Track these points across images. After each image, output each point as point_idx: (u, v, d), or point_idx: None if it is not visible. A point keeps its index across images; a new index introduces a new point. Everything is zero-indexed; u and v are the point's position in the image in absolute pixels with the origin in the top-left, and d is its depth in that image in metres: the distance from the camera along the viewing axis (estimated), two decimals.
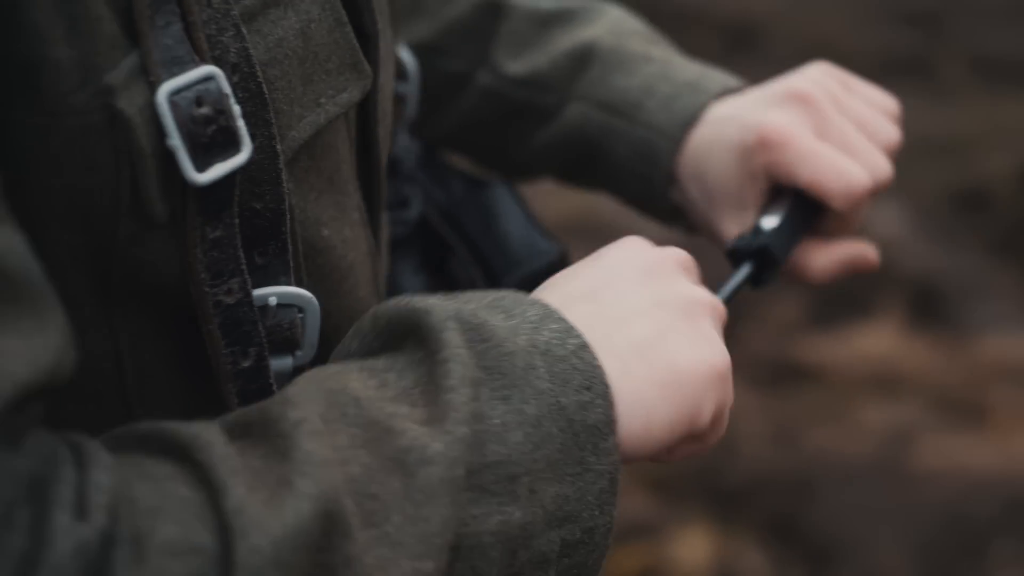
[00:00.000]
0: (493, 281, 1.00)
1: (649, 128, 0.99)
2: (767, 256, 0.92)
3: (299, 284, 0.70)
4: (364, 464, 0.58)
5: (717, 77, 1.00)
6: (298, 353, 0.70)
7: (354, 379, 0.62)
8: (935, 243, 3.84)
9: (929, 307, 3.50)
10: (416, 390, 0.62)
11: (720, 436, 0.71)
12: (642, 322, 0.68)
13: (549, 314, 0.66)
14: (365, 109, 0.77)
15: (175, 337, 0.67)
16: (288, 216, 0.67)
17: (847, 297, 3.48)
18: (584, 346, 0.65)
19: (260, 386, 0.67)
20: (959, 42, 5.19)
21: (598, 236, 3.47)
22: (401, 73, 0.98)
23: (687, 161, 0.98)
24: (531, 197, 3.48)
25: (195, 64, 0.62)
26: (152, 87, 0.60)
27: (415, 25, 1.07)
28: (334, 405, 0.60)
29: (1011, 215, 3.88)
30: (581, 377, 0.64)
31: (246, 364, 0.66)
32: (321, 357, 0.71)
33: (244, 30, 0.64)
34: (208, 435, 0.58)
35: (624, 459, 0.66)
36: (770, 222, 0.94)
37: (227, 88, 0.62)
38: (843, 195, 0.94)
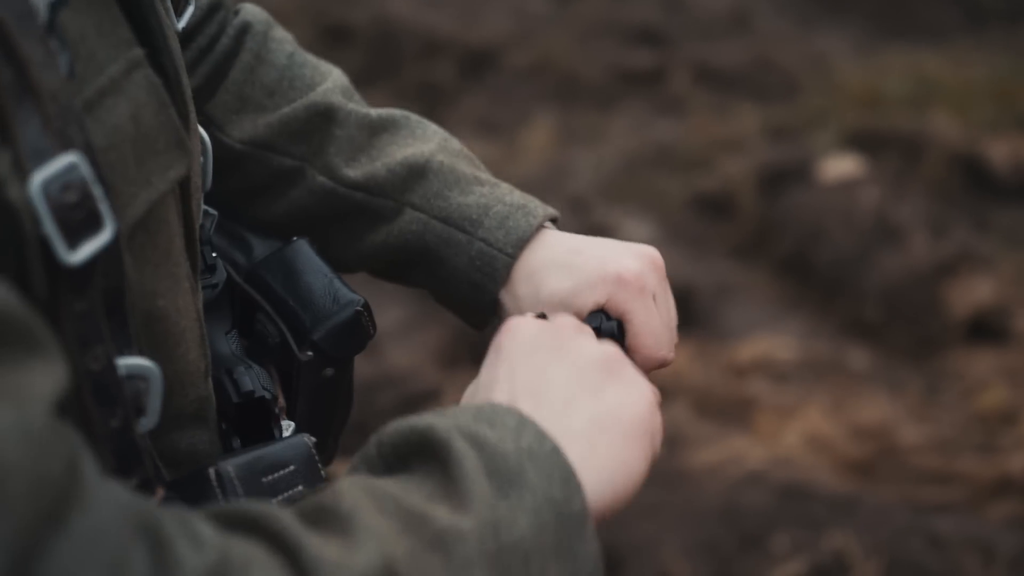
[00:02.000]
0: (299, 335, 1.03)
1: (488, 243, 1.07)
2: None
3: (140, 354, 0.75)
4: (408, 546, 0.68)
5: (539, 203, 1.11)
6: (143, 420, 0.74)
7: (383, 483, 0.72)
8: (685, 250, 3.97)
9: (685, 313, 3.61)
10: (438, 492, 0.72)
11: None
12: (581, 400, 0.80)
13: (523, 422, 0.76)
14: (183, 185, 0.82)
15: None
16: (127, 292, 0.72)
17: None
18: (556, 449, 0.75)
19: (129, 443, 0.72)
20: (685, 56, 5.39)
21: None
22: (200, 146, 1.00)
23: (519, 275, 1.07)
24: None
25: (57, 154, 0.66)
26: (24, 179, 0.65)
27: (245, 121, 1.11)
28: (376, 500, 0.69)
29: (752, 218, 4.03)
30: (560, 473, 0.74)
31: (115, 424, 0.71)
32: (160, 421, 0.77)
33: (85, 123, 0.69)
34: (274, 510, 0.66)
35: (627, 501, 0.79)
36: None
37: (89, 173, 0.68)
38: (648, 355, 1.04)
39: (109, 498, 0.59)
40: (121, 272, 0.71)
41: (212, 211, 1.05)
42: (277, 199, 1.11)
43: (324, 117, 1.11)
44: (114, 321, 0.72)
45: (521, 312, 1.06)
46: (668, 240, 4.01)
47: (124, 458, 0.72)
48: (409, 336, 3.62)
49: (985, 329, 3.43)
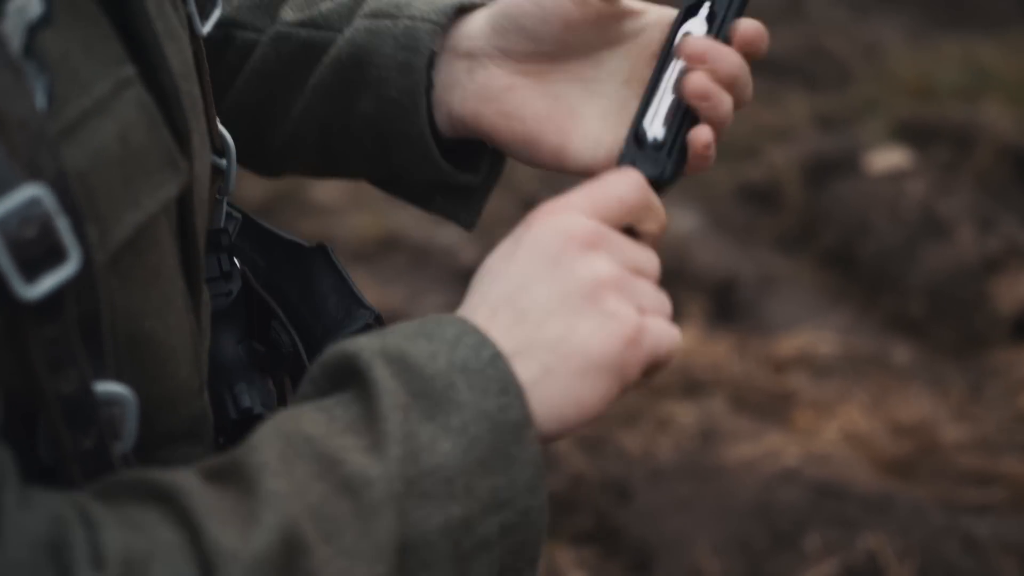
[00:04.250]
0: (311, 345, 1.01)
1: (412, 19, 0.98)
2: (670, 185, 0.92)
3: (118, 375, 0.74)
4: (319, 492, 0.70)
5: None
6: (117, 444, 0.74)
7: (307, 419, 0.74)
8: (729, 240, 3.94)
9: (727, 305, 3.59)
10: (359, 422, 0.73)
11: (674, 354, 0.82)
12: (554, 321, 0.79)
13: (464, 330, 0.77)
14: (183, 200, 0.80)
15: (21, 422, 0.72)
16: (104, 318, 0.72)
17: None
18: (496, 355, 0.76)
19: (103, 465, 0.73)
20: None
21: (404, 252, 3.43)
22: (219, 148, 0.97)
23: (469, 47, 0.98)
24: (336, 223, 3.42)
25: (19, 185, 0.65)
26: None
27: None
28: (290, 445, 0.72)
29: (798, 209, 4.00)
30: (497, 384, 0.75)
31: (88, 444, 0.72)
32: (144, 438, 0.77)
33: (59, 150, 0.68)
34: (186, 482, 0.69)
35: (574, 431, 0.79)
36: (656, 128, 0.93)
37: (52, 206, 0.67)
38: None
39: (23, 530, 0.62)
40: (96, 298, 0.71)
41: (236, 214, 1.04)
42: (240, 74, 1.06)
43: None
44: (89, 346, 0.71)
45: (454, 96, 0.98)
46: (712, 230, 3.98)
47: (96, 476, 0.72)
48: None
49: None
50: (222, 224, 1.00)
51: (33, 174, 0.66)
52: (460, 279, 3.82)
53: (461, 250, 3.93)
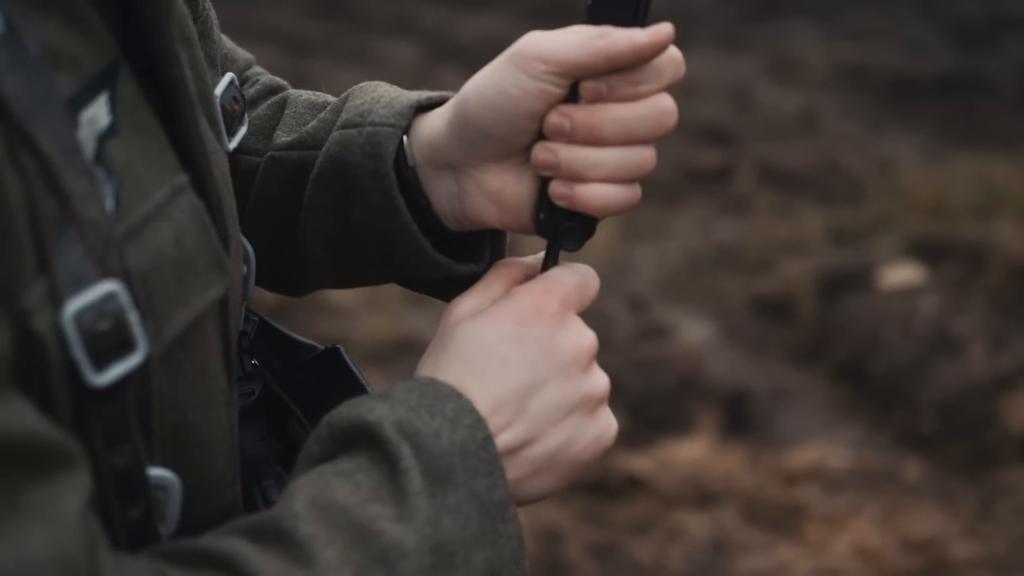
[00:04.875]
0: None
1: (374, 125, 0.99)
2: (585, 230, 0.97)
3: (163, 463, 0.79)
4: (357, 564, 0.76)
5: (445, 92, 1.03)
6: (161, 527, 0.78)
7: (335, 487, 0.79)
8: (742, 352, 3.96)
9: (739, 416, 3.60)
10: (383, 490, 0.80)
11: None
12: (556, 432, 0.87)
13: (462, 408, 0.84)
14: (223, 302, 0.85)
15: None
16: (154, 408, 0.76)
17: (662, 408, 3.55)
18: (488, 439, 0.83)
19: (148, 535, 0.77)
20: (751, 156, 5.41)
21: (418, 355, 3.44)
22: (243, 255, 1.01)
23: (447, 160, 0.96)
24: (351, 325, 3.45)
25: (96, 281, 0.71)
26: (58, 307, 0.69)
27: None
28: (327, 516, 0.77)
29: (811, 323, 4.03)
30: (486, 466, 0.82)
31: (134, 515, 0.76)
32: (182, 524, 0.81)
33: (124, 251, 0.73)
34: (241, 548, 0.74)
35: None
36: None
37: (126, 300, 0.72)
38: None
39: None
40: (149, 390, 0.75)
41: (254, 317, 1.08)
42: (246, 196, 1.08)
43: (279, 107, 1.11)
44: (141, 433, 0.75)
45: (454, 208, 0.97)
46: (726, 341, 4.01)
47: (142, 546, 0.76)
48: None
49: None
50: (240, 326, 1.03)
51: (105, 272, 0.71)
52: None
53: None
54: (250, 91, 1.14)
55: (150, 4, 0.79)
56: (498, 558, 0.82)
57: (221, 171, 0.87)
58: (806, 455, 3.42)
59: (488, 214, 0.96)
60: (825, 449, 3.44)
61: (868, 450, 3.47)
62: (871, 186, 5.05)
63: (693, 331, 4.01)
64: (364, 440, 0.82)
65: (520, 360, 0.87)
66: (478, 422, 0.83)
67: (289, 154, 1.05)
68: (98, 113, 0.74)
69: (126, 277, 0.73)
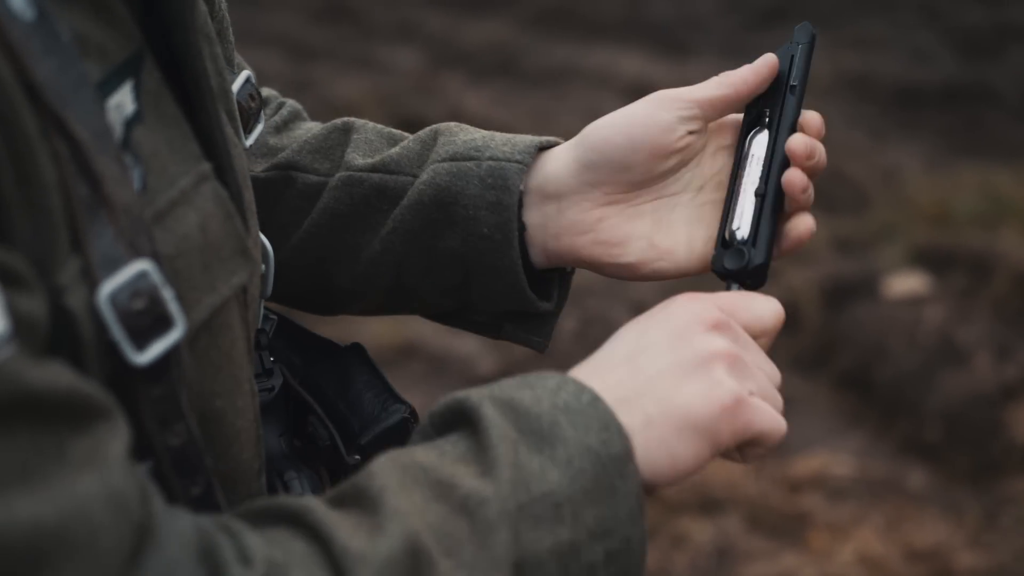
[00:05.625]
0: (349, 439, 1.06)
1: (496, 159, 1.05)
2: (763, 271, 1.02)
3: None
4: (437, 512, 0.76)
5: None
6: (223, 502, 0.80)
7: (419, 453, 0.80)
8: None
9: None
10: (469, 455, 0.80)
11: (773, 438, 0.88)
12: (664, 381, 0.86)
13: (564, 380, 0.84)
14: (244, 291, 0.85)
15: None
16: (183, 393, 0.76)
17: None
18: (596, 398, 0.83)
19: (212, 509, 0.78)
20: None
21: (421, 360, 3.44)
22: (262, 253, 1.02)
23: (536, 186, 1.05)
24: (355, 330, 3.45)
25: (129, 261, 0.71)
26: (93, 288, 0.70)
27: (271, 158, 1.13)
28: (407, 473, 0.78)
29: (815, 331, 4.02)
30: (598, 422, 0.82)
31: (196, 492, 0.78)
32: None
33: (153, 233, 0.74)
34: (312, 503, 0.74)
35: (665, 486, 0.85)
36: (742, 229, 1.02)
37: (158, 278, 0.72)
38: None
39: (175, 531, 0.68)
40: (179, 373, 0.76)
41: (273, 315, 1.09)
42: (304, 215, 1.12)
43: (343, 131, 1.14)
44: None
45: (548, 233, 1.05)
46: None
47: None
48: None
49: None
50: (260, 323, 1.04)
51: (137, 252, 0.72)
52: None
53: (479, 360, 3.95)
54: (283, 112, 1.17)
55: None
56: (612, 515, 0.80)
57: (240, 164, 0.88)
58: (810, 463, 3.41)
59: (580, 241, 1.04)
60: (829, 457, 3.44)
61: (872, 458, 3.46)
62: (876, 195, 5.05)
63: None
64: (456, 421, 0.83)
65: (637, 334, 0.89)
66: (582, 387, 0.84)
67: (370, 176, 1.09)
68: (124, 100, 0.75)
69: (156, 259, 0.73)
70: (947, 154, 5.49)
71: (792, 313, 4.13)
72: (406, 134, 1.13)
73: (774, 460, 3.42)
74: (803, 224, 1.02)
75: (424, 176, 1.07)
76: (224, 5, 1.03)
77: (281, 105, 1.19)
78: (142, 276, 0.72)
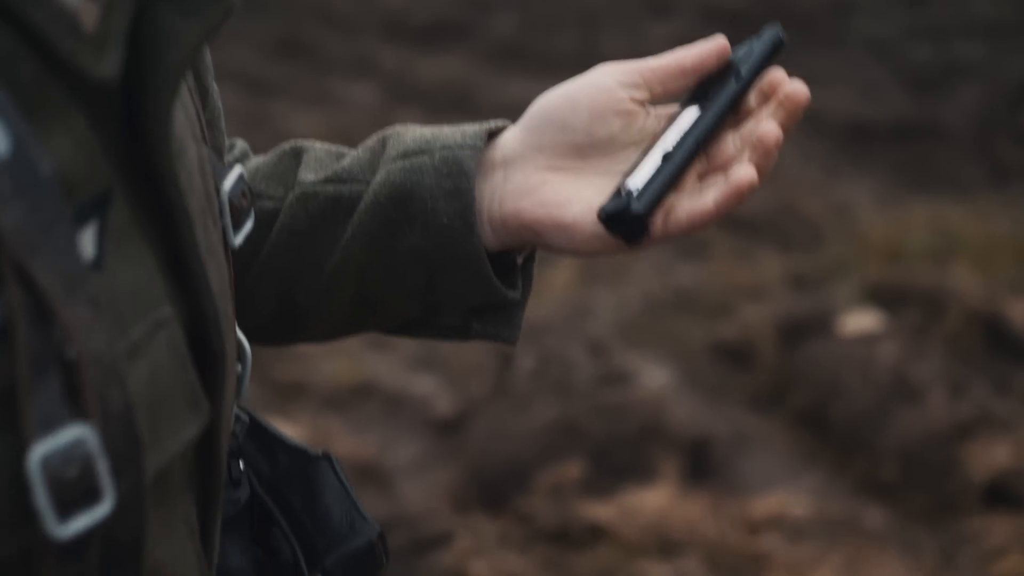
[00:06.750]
0: (312, 558, 1.02)
1: (449, 148, 1.05)
2: (640, 221, 1.00)
3: None
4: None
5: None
6: None
7: None
8: (702, 398, 3.96)
9: (701, 463, 3.60)
10: None
11: None
12: None
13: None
14: (209, 429, 0.81)
15: None
16: (144, 547, 0.71)
17: (624, 455, 3.54)
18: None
19: None
20: None
21: (378, 400, 3.42)
22: (237, 353, 0.98)
23: (503, 155, 1.05)
24: (311, 368, 3.42)
25: (68, 423, 0.66)
26: (24, 447, 0.64)
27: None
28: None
29: (771, 368, 4.03)
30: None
31: None
32: None
33: (128, 382, 0.69)
34: None
35: None
36: (635, 182, 1.01)
37: (96, 447, 0.67)
38: None
39: None
40: (141, 528, 0.71)
41: (244, 416, 1.04)
42: (263, 241, 1.09)
43: (292, 155, 1.11)
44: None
45: (494, 201, 1.05)
46: (686, 387, 4.01)
47: None
48: (423, 474, 3.62)
49: (1003, 494, 3.40)
50: (231, 427, 0.99)
51: (78, 414, 0.66)
52: (434, 428, 3.83)
53: (435, 399, 3.94)
54: (235, 152, 1.14)
55: (151, 120, 0.75)
56: None
57: (220, 277, 0.84)
58: (768, 503, 3.41)
59: (523, 203, 1.03)
60: (787, 497, 3.44)
61: (830, 498, 3.47)
62: (829, 231, 5.09)
63: (654, 376, 4.01)
64: None
65: None
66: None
67: (324, 187, 1.07)
68: (84, 245, 0.70)
69: (127, 410, 0.69)
70: (899, 189, 5.54)
71: (747, 351, 4.14)
72: (354, 150, 1.12)
73: (733, 500, 3.43)
74: (744, 170, 0.99)
75: (378, 178, 1.06)
76: (217, 93, 1.00)
77: (232, 145, 1.16)
78: (79, 442, 0.66)
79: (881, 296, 4.30)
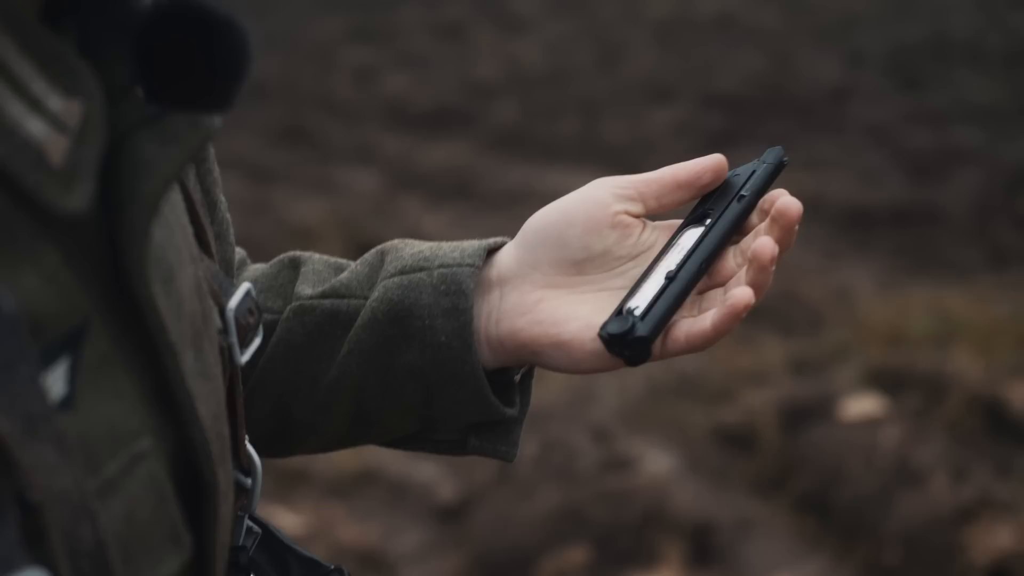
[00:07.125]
0: None
1: (447, 266, 1.04)
2: (644, 345, 0.99)
3: None
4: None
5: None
6: None
7: None
8: (706, 483, 3.96)
9: (704, 549, 3.59)
10: None
11: None
12: None
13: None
14: (201, 558, 0.78)
15: None
16: None
17: (627, 541, 3.53)
18: None
19: None
20: None
21: (381, 487, 3.43)
22: (246, 467, 0.97)
23: (499, 274, 1.05)
24: (314, 456, 3.42)
25: (27, 567, 0.62)
26: None
27: None
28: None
29: (774, 453, 4.03)
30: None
31: None
32: None
33: (100, 519, 0.66)
34: None
35: None
36: (637, 302, 1.01)
37: None
38: None
39: None
40: None
41: (256, 529, 1.02)
42: (259, 354, 1.07)
43: (291, 267, 1.11)
44: None
45: (491, 320, 1.04)
46: (689, 472, 4.01)
47: None
48: (427, 562, 3.61)
49: None
50: (241, 541, 0.98)
51: (41, 557, 0.63)
52: (437, 516, 3.82)
53: (438, 487, 3.94)
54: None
55: (126, 250, 0.72)
56: None
57: (215, 400, 0.81)
58: None
59: (520, 322, 1.02)
60: None
61: None
62: (830, 315, 5.11)
63: (657, 462, 4.01)
64: None
65: None
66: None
67: (321, 302, 1.07)
68: (54, 383, 0.67)
69: (100, 549, 0.66)
70: (899, 273, 5.57)
71: (750, 435, 4.14)
72: (352, 262, 1.12)
73: None
74: (741, 293, 0.99)
75: (375, 294, 1.05)
76: (225, 206, 0.99)
77: None
78: None
79: (882, 380, 4.31)
